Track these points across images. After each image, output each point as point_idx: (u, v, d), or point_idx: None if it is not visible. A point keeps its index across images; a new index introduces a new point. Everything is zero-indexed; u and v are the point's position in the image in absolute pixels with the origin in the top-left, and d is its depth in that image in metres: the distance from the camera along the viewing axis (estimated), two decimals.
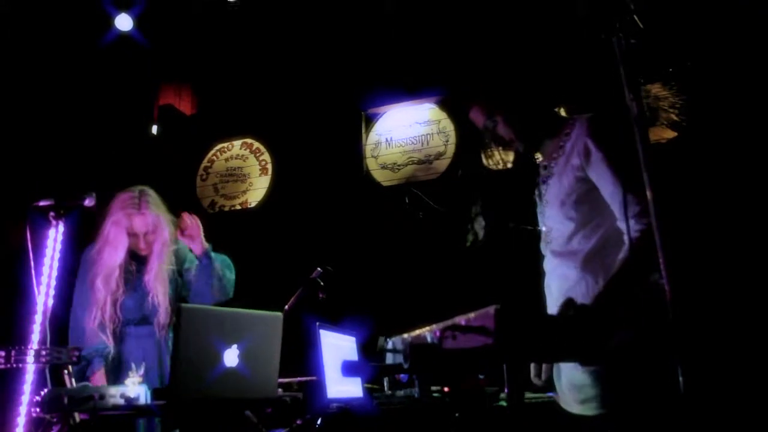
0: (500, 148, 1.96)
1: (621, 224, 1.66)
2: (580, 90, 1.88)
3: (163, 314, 2.62)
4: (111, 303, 2.55)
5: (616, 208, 1.68)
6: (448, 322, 1.35)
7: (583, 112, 1.86)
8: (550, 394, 2.86)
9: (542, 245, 1.92)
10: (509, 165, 2.01)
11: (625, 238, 1.62)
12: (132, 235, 2.65)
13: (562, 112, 1.95)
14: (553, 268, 1.85)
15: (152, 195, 2.78)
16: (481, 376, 1.86)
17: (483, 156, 2.04)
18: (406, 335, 1.58)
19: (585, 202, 1.74)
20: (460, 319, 1.32)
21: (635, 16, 1.52)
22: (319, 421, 2.50)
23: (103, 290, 2.53)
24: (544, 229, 1.91)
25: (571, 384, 1.75)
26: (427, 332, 1.46)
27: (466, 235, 1.94)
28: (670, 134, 4.26)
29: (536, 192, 1.96)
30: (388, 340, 1.73)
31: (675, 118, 4.46)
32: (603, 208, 1.72)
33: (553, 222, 1.84)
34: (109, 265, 2.57)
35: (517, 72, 1.95)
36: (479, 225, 1.90)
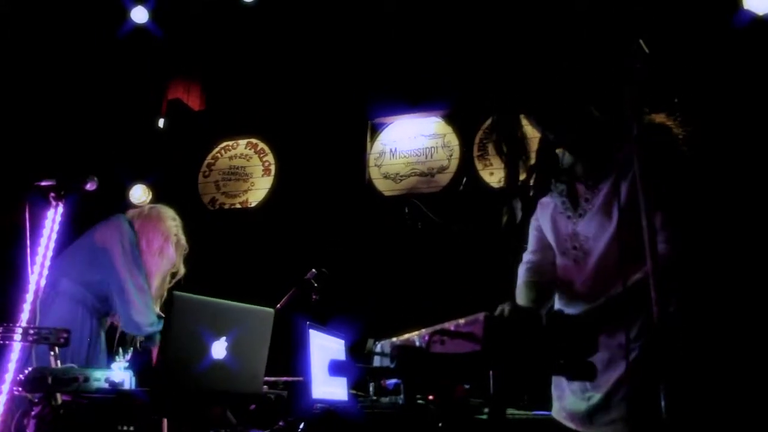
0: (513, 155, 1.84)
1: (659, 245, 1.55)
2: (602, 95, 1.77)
3: None
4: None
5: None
6: (437, 327, 1.35)
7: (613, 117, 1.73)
8: (537, 413, 2.85)
9: (562, 250, 1.79)
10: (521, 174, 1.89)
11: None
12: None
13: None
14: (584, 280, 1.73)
15: None
16: (466, 386, 1.84)
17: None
18: (395, 339, 1.58)
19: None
20: (450, 325, 1.32)
21: (641, 41, 1.51)
22: (302, 426, 2.49)
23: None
24: (569, 233, 1.80)
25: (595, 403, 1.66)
26: (416, 336, 1.46)
27: (501, 214, 1.82)
28: None
29: (559, 192, 1.80)
30: (376, 343, 1.72)
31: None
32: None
33: (593, 231, 1.71)
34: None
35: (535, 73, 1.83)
36: (517, 205, 1.80)
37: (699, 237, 1.63)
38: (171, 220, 2.89)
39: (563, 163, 1.85)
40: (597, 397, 1.65)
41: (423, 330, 1.44)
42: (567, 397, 1.75)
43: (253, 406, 2.22)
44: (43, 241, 2.22)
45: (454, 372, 1.35)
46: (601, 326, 1.58)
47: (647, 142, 1.48)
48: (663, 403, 1.20)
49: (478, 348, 1.24)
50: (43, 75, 5.07)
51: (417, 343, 1.44)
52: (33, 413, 1.91)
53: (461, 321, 1.31)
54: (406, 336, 1.52)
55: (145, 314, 2.52)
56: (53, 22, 4.93)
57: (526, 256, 1.95)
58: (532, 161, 1.80)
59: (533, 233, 1.94)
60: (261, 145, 5.44)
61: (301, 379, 2.31)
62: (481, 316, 1.25)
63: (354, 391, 2.56)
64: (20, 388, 1.83)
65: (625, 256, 1.58)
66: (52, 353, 2.03)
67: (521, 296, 1.88)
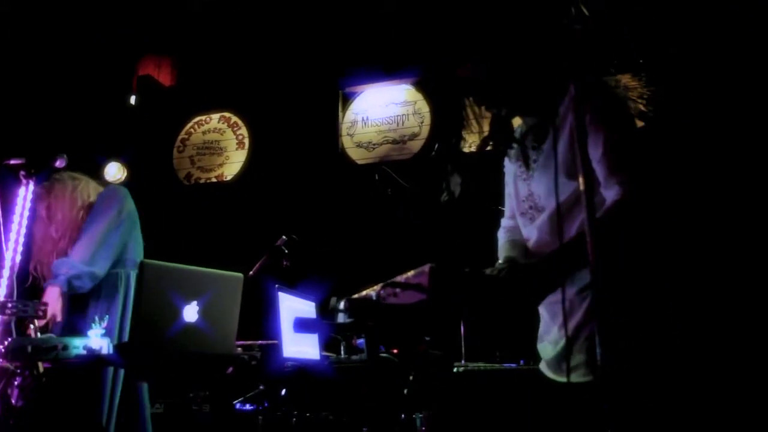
0: (482, 111, 1.89)
1: (604, 191, 1.61)
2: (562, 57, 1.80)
3: None
4: None
5: (599, 172, 1.61)
6: (389, 281, 1.44)
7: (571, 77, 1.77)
8: (508, 365, 2.99)
9: (521, 211, 1.85)
10: (485, 136, 1.94)
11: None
12: None
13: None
14: (539, 236, 1.78)
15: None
16: (427, 339, 1.96)
17: (459, 136, 2.00)
18: (355, 295, 1.67)
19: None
20: (400, 278, 1.42)
21: (581, 5, 1.57)
22: (283, 391, 2.60)
23: None
24: (526, 194, 1.87)
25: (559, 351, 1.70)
26: (372, 291, 1.56)
27: (441, 193, 1.90)
28: (638, 124, 4.39)
29: (515, 157, 1.87)
30: (339, 301, 1.81)
31: (643, 108, 4.60)
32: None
33: (543, 189, 1.76)
34: None
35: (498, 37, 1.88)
36: (455, 182, 1.86)
37: (647, 182, 1.67)
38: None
39: (518, 132, 1.93)
40: (561, 343, 1.68)
41: (378, 285, 1.54)
42: (545, 347, 1.80)
43: (230, 369, 2.32)
44: (15, 218, 2.28)
45: (406, 321, 1.45)
46: (555, 274, 1.63)
47: (584, 99, 1.56)
48: (598, 351, 1.25)
49: (425, 297, 1.34)
50: (11, 54, 5.02)
51: (374, 298, 1.54)
52: (16, 383, 2.00)
53: (410, 273, 1.41)
54: (364, 292, 1.62)
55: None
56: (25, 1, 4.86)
57: (504, 222, 2.02)
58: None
59: (507, 200, 2.00)
60: (234, 118, 5.46)
61: (275, 342, 2.41)
62: (426, 267, 1.34)
63: (326, 353, 2.67)
64: (1, 359, 1.91)
65: (570, 208, 1.67)
66: (32, 325, 2.11)
67: (502, 256, 1.97)
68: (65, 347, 1.91)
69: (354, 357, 2.34)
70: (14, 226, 2.28)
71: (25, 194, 2.30)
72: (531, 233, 1.83)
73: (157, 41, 5.61)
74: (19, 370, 2.00)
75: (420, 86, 5.02)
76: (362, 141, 5.05)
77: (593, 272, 1.31)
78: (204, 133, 5.51)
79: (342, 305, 1.82)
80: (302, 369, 2.12)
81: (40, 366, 1.96)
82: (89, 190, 2.67)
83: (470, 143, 4.51)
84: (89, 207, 2.59)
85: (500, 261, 1.91)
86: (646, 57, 4.44)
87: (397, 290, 1.44)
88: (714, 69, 4.06)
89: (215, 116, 5.51)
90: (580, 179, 1.36)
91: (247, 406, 2.76)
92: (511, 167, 1.93)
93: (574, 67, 1.58)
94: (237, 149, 5.37)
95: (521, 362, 2.99)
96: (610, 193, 1.61)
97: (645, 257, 1.66)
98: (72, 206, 2.56)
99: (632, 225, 1.62)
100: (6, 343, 1.86)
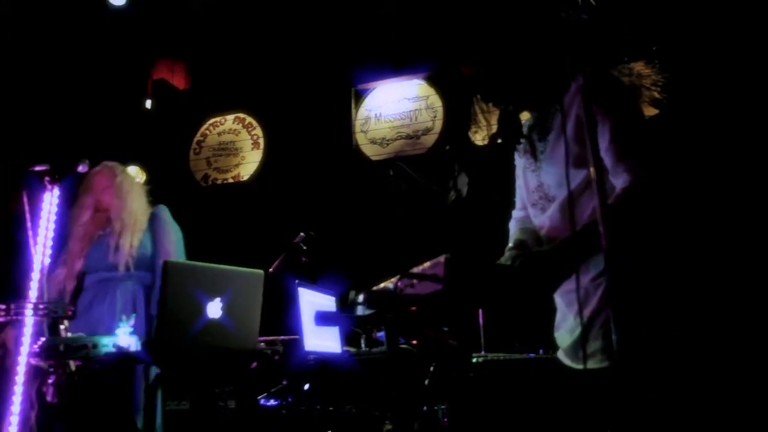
0: (489, 107, 1.92)
1: (612, 179, 1.63)
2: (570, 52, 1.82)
3: None
4: None
5: (607, 161, 1.62)
6: (406, 272, 1.48)
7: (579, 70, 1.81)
8: (531, 355, 3.01)
9: (532, 202, 1.88)
10: (495, 129, 1.98)
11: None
12: None
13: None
14: (551, 225, 1.80)
15: None
16: (445, 329, 2.00)
17: (470, 131, 2.03)
18: (374, 288, 1.72)
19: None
20: (416, 269, 1.46)
21: None
22: (306, 386, 2.65)
23: None
24: (536, 185, 1.91)
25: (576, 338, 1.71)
26: (390, 283, 1.60)
27: (448, 192, 1.93)
28: (652, 111, 4.37)
29: (523, 150, 1.89)
30: (358, 294, 1.86)
31: (657, 95, 4.57)
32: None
33: (552, 179, 1.79)
34: None
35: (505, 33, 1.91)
36: (462, 181, 1.90)
37: (655, 169, 1.69)
38: None
39: (525, 126, 1.96)
40: (578, 331, 1.70)
41: (396, 277, 1.58)
42: (562, 335, 1.81)
43: (254, 364, 2.38)
44: (42, 222, 2.35)
45: (424, 311, 1.49)
46: (568, 262, 1.66)
47: (591, 89, 1.58)
48: (614, 337, 1.24)
49: (441, 287, 1.38)
50: (29, 63, 5.12)
51: (391, 289, 1.58)
52: (50, 381, 2.07)
53: (426, 264, 1.45)
54: (383, 284, 1.66)
55: None
56: (36, 7, 4.96)
57: (515, 213, 2.06)
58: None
59: (517, 192, 2.04)
60: (248, 119, 5.53)
61: (297, 337, 2.47)
62: (442, 258, 1.38)
63: (347, 348, 2.72)
64: (36, 358, 1.98)
65: (580, 196, 1.70)
66: (62, 325, 2.18)
67: (513, 240, 1.99)
68: (95, 345, 1.98)
69: (375, 350, 2.38)
70: (41, 230, 2.35)
71: (50, 199, 2.37)
72: (543, 223, 1.85)
73: (169, 45, 5.69)
74: (52, 369, 2.07)
75: (432, 81, 5.03)
76: (376, 137, 5.09)
77: (607, 259, 1.34)
78: (219, 134, 5.58)
79: (361, 298, 1.86)
80: (324, 362, 2.17)
81: (72, 364, 2.03)
82: None
83: (482, 137, 4.52)
84: None
85: (510, 245, 1.95)
86: (659, 44, 4.42)
87: (414, 281, 1.48)
88: (727, 56, 4.04)
89: (230, 117, 5.58)
90: (591, 168, 1.39)
91: (271, 402, 2.82)
92: (520, 160, 1.97)
93: (580, 58, 1.61)
94: (252, 149, 5.44)
95: (540, 351, 3.01)
96: (618, 181, 1.63)
97: (657, 243, 1.68)
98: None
99: (642, 211, 1.64)
100: (40, 342, 1.94)
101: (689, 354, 1.69)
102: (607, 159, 1.64)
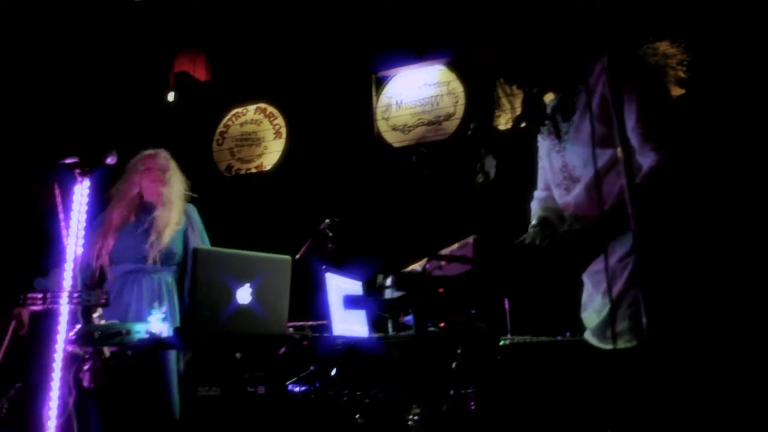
0: (513, 90, 1.91)
1: (639, 158, 1.62)
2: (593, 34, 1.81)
3: None
4: None
5: (634, 140, 1.61)
6: (434, 254, 1.49)
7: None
8: (559, 337, 3.00)
9: (557, 183, 1.88)
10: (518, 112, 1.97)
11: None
12: None
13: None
14: (576, 205, 1.80)
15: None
16: (472, 312, 1.99)
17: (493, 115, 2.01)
18: (401, 271, 1.72)
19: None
20: (445, 251, 1.46)
21: None
22: (333, 371, 2.68)
23: None
24: (560, 165, 1.91)
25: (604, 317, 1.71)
26: (418, 266, 1.61)
27: (476, 175, 1.93)
28: (678, 91, 4.30)
29: (547, 132, 1.89)
30: (385, 278, 1.86)
31: (682, 75, 4.49)
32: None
33: (577, 159, 1.78)
34: None
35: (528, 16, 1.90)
36: (489, 164, 1.89)
37: (682, 148, 1.67)
38: None
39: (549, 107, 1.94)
40: (605, 311, 1.70)
41: (424, 260, 1.58)
42: (589, 315, 1.81)
43: (283, 349, 2.41)
44: (74, 214, 2.40)
45: (453, 293, 1.49)
46: (595, 241, 1.65)
47: (617, 69, 1.57)
48: (644, 319, 1.24)
49: (470, 268, 1.38)
50: (54, 58, 5.21)
51: (419, 271, 1.59)
52: (86, 367, 2.13)
53: (455, 246, 1.45)
54: (410, 267, 1.67)
55: None
56: (61, 3, 5.03)
57: (537, 193, 2.06)
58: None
59: (540, 173, 2.04)
60: (270, 108, 5.55)
61: (325, 322, 2.49)
62: (470, 239, 1.38)
63: (375, 334, 2.73)
64: (72, 345, 2.04)
65: (605, 176, 1.69)
66: (96, 313, 2.23)
67: (535, 217, 1.99)
68: (128, 332, 2.03)
69: (402, 333, 2.39)
70: (73, 222, 2.40)
71: (81, 191, 2.42)
72: (568, 203, 1.84)
73: (190, 38, 5.73)
74: (87, 355, 2.13)
75: (453, 66, 5.00)
76: (397, 124, 5.08)
77: (636, 239, 1.33)
78: (241, 125, 5.62)
79: (389, 281, 1.87)
80: (352, 347, 2.19)
81: (106, 350, 2.08)
82: None
83: (505, 121, 4.49)
84: None
85: (533, 222, 1.94)
86: (685, 23, 4.33)
87: (443, 263, 1.49)
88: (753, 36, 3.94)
89: (251, 108, 5.61)
90: (618, 148, 1.38)
91: (300, 387, 2.86)
92: (544, 142, 1.96)
93: (605, 38, 1.59)
94: (275, 139, 5.46)
95: (567, 334, 3.00)
96: (646, 160, 1.62)
97: (685, 223, 1.67)
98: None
99: (671, 191, 1.63)
100: (76, 329, 1.99)
101: (719, 335, 1.67)
102: (634, 138, 1.63)
